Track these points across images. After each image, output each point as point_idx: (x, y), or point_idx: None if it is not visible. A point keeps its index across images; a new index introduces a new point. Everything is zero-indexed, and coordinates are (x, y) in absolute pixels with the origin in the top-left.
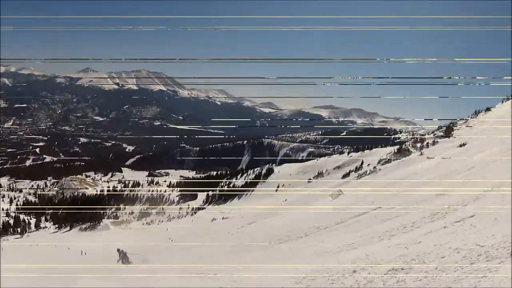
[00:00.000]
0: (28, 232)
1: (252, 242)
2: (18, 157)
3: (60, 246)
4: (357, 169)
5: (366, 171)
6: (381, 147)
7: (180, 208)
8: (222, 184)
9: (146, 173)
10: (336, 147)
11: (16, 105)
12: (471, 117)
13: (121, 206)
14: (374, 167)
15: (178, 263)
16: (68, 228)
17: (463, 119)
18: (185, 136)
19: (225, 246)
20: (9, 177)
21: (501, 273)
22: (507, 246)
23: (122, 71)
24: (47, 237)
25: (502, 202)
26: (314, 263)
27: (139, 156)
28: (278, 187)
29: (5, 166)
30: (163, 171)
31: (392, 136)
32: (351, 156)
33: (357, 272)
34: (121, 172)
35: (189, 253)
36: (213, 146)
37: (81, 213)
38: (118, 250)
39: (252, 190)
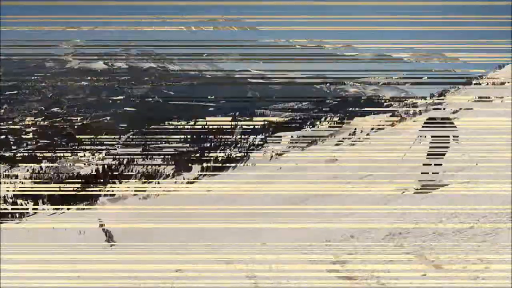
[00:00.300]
0: (27, 217)
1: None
2: (11, 142)
3: (58, 228)
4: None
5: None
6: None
7: (175, 181)
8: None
9: (140, 148)
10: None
11: (7, 92)
12: None
13: (117, 182)
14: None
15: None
16: (65, 209)
17: None
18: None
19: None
20: (3, 164)
21: (502, 237)
22: (507, 212)
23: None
24: (45, 220)
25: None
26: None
27: (132, 132)
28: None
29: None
30: (157, 145)
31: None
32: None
33: (355, 237)
34: (115, 149)
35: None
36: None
37: (79, 191)
38: (103, 229)
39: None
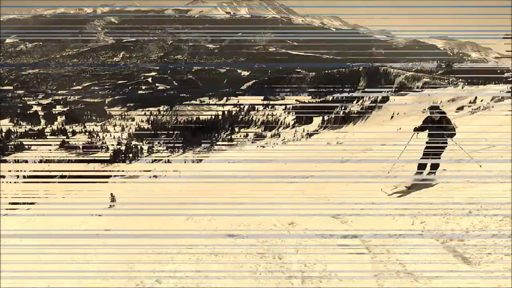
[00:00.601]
0: (139, 158)
1: (367, 170)
2: (130, 87)
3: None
4: (470, 103)
5: (479, 107)
6: (494, 84)
7: (295, 132)
8: (338, 109)
9: (262, 97)
10: (450, 79)
11: (124, 40)
12: None
13: (236, 129)
14: (488, 103)
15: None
16: (181, 152)
17: None
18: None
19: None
20: (120, 107)
21: None
22: None
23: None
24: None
25: None
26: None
27: (254, 81)
28: (393, 115)
29: (116, 97)
30: (279, 96)
31: (505, 74)
32: (465, 89)
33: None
34: (236, 96)
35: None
36: (329, 71)
37: (196, 137)
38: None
39: (368, 116)
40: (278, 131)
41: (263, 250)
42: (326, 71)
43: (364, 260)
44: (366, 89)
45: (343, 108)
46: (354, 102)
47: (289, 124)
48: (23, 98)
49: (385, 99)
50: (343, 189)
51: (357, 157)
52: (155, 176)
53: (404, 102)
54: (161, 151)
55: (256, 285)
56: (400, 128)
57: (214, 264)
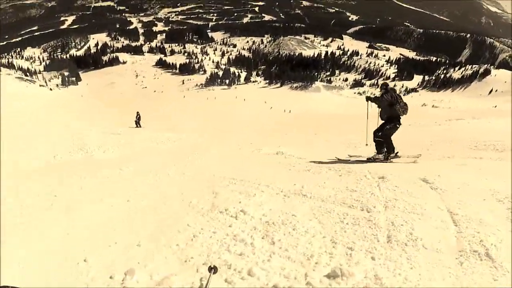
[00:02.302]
0: (236, 84)
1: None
2: (235, 14)
3: (259, 101)
4: None
5: None
6: None
7: (395, 85)
8: (439, 71)
9: (367, 44)
10: None
11: None
12: None
13: (337, 72)
14: None
15: None
16: (278, 85)
17: None
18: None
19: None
20: (223, 32)
21: None
22: None
23: None
24: (256, 91)
25: None
26: None
27: (361, 26)
28: (491, 91)
29: (220, 22)
30: (383, 45)
31: None
32: None
33: None
34: (342, 39)
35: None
36: (437, 31)
37: (294, 72)
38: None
39: (466, 86)
40: (377, 81)
41: (352, 200)
42: (434, 31)
43: (450, 233)
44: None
45: (444, 71)
46: (457, 68)
47: (389, 76)
48: (123, 14)
49: (486, 72)
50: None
51: (441, 125)
52: None
53: (504, 81)
54: (258, 82)
55: (341, 233)
56: (495, 106)
57: (301, 204)
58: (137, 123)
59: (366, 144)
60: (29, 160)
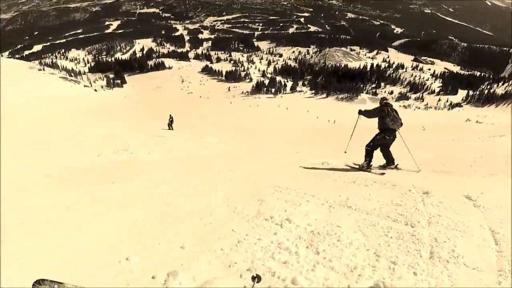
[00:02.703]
0: (283, 93)
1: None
2: (281, 24)
3: (303, 112)
4: None
5: None
6: None
7: (439, 100)
8: (483, 86)
9: (412, 57)
10: None
11: None
12: None
13: (382, 84)
14: None
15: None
16: (324, 96)
17: None
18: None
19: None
20: (269, 42)
21: None
22: None
23: None
24: (301, 100)
25: None
26: None
27: (406, 39)
28: None
29: (266, 32)
30: (428, 59)
31: None
32: None
33: None
34: (387, 51)
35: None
36: (480, 46)
37: (341, 83)
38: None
39: (510, 102)
40: (422, 95)
41: (396, 214)
42: (478, 45)
43: (490, 252)
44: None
45: (488, 86)
46: (500, 83)
47: (434, 90)
48: (169, 21)
49: None
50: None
51: (484, 141)
52: None
53: None
54: (304, 91)
55: (385, 247)
56: None
57: (346, 216)
58: (170, 125)
59: (345, 152)
60: (74, 158)
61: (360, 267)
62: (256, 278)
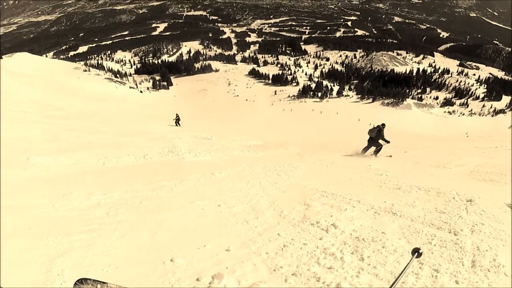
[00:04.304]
0: (329, 98)
1: None
2: (328, 28)
3: (353, 118)
4: None
5: None
6: None
7: (483, 106)
8: None
9: (457, 62)
10: None
11: None
12: None
13: (428, 89)
14: None
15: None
16: (370, 100)
17: None
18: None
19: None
20: (316, 45)
21: None
22: None
23: None
24: (347, 105)
25: None
26: None
27: (452, 44)
28: None
29: (313, 35)
30: (473, 64)
31: None
32: None
33: None
34: (433, 56)
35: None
36: None
37: (387, 87)
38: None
39: None
40: (467, 100)
41: (440, 222)
42: None
43: None
44: None
45: None
46: None
47: (478, 96)
48: (216, 24)
49: None
50: None
51: None
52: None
53: None
54: (351, 96)
55: (429, 255)
56: None
57: (391, 223)
58: (177, 122)
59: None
60: (121, 158)
61: (404, 275)
62: (416, 253)
